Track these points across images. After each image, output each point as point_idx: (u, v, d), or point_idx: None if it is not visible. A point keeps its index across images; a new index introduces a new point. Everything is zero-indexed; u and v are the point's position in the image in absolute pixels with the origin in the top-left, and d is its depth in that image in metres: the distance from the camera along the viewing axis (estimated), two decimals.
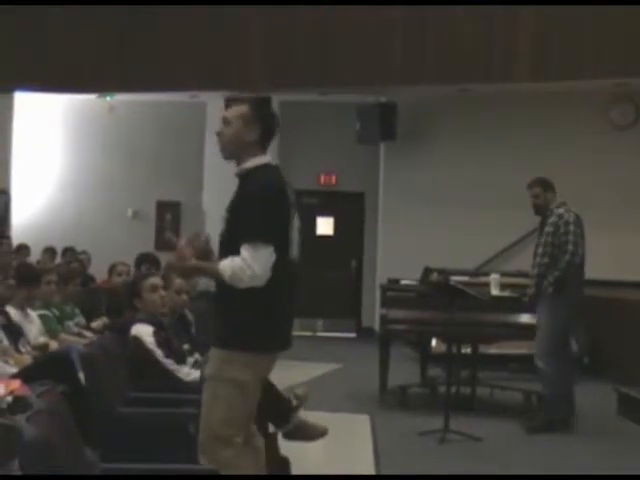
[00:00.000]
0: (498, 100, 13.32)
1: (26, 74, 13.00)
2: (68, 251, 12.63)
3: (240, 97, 4.53)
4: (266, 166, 4.31)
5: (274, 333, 4.22)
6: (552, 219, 8.00)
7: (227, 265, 4.09)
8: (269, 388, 5.19)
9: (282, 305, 4.20)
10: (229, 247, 4.18)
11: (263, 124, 4.31)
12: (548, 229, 7.99)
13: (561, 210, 8.03)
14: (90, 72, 13.97)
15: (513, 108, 13.40)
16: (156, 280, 6.07)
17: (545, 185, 8.15)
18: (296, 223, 4.31)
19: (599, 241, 13.02)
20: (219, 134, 4.39)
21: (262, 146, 4.35)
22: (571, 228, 7.92)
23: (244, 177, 4.37)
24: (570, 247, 7.88)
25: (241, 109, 4.30)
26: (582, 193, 13.09)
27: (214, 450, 4.15)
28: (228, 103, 4.50)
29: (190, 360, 5.90)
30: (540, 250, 8.00)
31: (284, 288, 4.20)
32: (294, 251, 4.28)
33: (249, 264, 4.02)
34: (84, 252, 12.69)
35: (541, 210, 8.15)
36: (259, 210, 4.09)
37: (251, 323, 4.12)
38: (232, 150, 4.38)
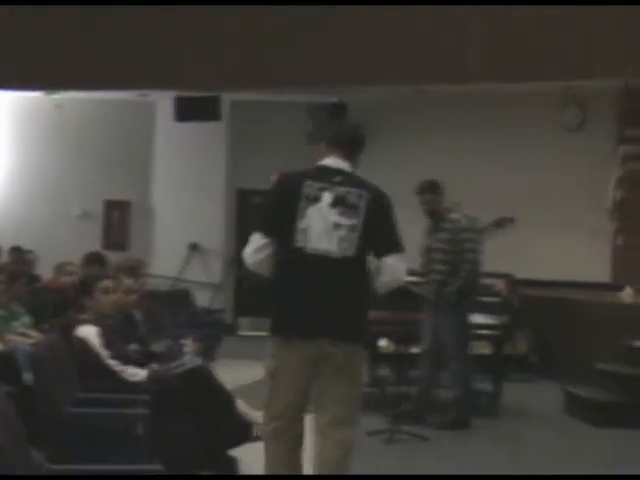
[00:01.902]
0: (449, 101, 13.37)
1: None
2: (15, 250, 12.47)
3: None
4: (310, 168, 4.73)
5: (288, 319, 4.51)
6: (446, 224, 7.94)
7: None
8: (230, 404, 5.20)
9: (293, 292, 4.47)
10: None
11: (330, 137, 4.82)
12: (444, 235, 7.92)
13: (455, 215, 7.99)
14: (37, 70, 13.85)
15: (465, 109, 13.46)
16: (110, 283, 6.03)
17: (434, 189, 8.05)
18: (317, 216, 4.48)
19: (548, 242, 13.22)
20: None
21: (330, 152, 4.72)
22: (469, 235, 7.93)
23: None
24: (470, 255, 7.90)
25: None
26: (532, 194, 13.25)
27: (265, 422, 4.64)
28: None
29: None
30: (438, 256, 7.93)
31: (292, 277, 4.48)
32: (308, 242, 4.45)
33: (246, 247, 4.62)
34: (30, 252, 12.53)
35: (433, 214, 8.04)
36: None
37: (275, 309, 4.57)
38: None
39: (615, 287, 11.62)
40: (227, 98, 14.15)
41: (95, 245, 13.72)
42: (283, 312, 4.55)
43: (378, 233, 4.53)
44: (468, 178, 13.27)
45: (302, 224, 4.46)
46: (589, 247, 12.98)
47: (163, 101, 14.58)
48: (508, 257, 12.58)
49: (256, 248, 4.55)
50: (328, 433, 4.53)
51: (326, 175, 4.59)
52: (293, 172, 4.74)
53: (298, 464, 4.65)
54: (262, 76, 13.24)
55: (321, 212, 4.47)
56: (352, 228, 4.48)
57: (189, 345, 6.97)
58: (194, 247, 15.10)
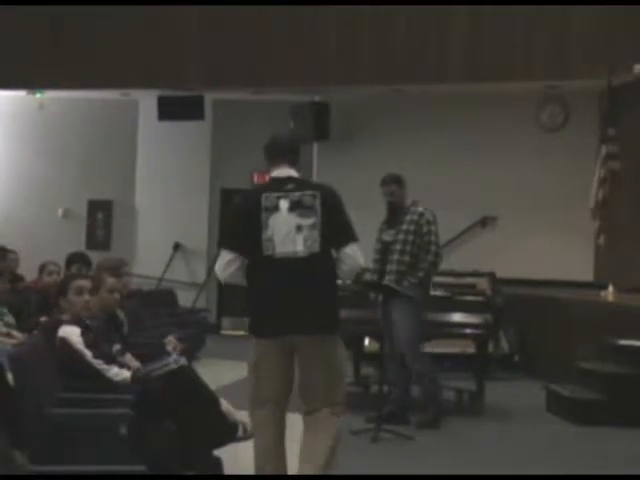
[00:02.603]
0: (432, 100, 13.40)
1: None
2: None
3: None
4: (263, 183, 5.44)
5: (262, 320, 4.93)
6: (410, 217, 7.88)
7: None
8: (214, 404, 5.20)
9: (264, 296, 4.89)
10: None
11: (267, 151, 5.21)
12: (407, 227, 7.86)
13: (420, 209, 7.94)
14: (21, 69, 13.82)
15: (446, 108, 13.49)
16: (83, 283, 5.97)
17: (400, 182, 8.01)
18: (279, 223, 4.86)
19: (530, 241, 13.27)
20: None
21: (274, 165, 5.12)
22: (433, 228, 7.88)
23: None
24: (433, 248, 7.86)
25: None
26: (515, 193, 13.29)
27: (251, 410, 5.07)
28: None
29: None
30: (399, 247, 7.84)
31: (264, 281, 4.89)
32: (275, 249, 4.84)
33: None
34: (13, 251, 12.46)
35: (396, 207, 7.97)
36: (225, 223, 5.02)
37: (251, 313, 4.99)
38: None
39: (597, 286, 11.67)
40: (209, 97, 14.14)
41: (79, 245, 13.70)
42: (258, 314, 4.97)
43: (334, 227, 4.94)
44: (450, 177, 13.32)
45: (266, 233, 4.86)
46: (571, 246, 13.03)
47: (146, 100, 14.56)
48: (491, 256, 12.64)
49: (225, 263, 4.93)
50: (309, 421, 5.00)
51: (279, 185, 5.00)
52: (250, 190, 5.52)
53: (283, 448, 5.05)
54: (244, 76, 13.28)
55: (282, 218, 4.88)
56: (312, 226, 4.89)
57: (172, 342, 6.96)
58: (177, 247, 15.08)
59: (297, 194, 4.92)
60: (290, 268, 4.83)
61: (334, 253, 4.97)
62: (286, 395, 5.05)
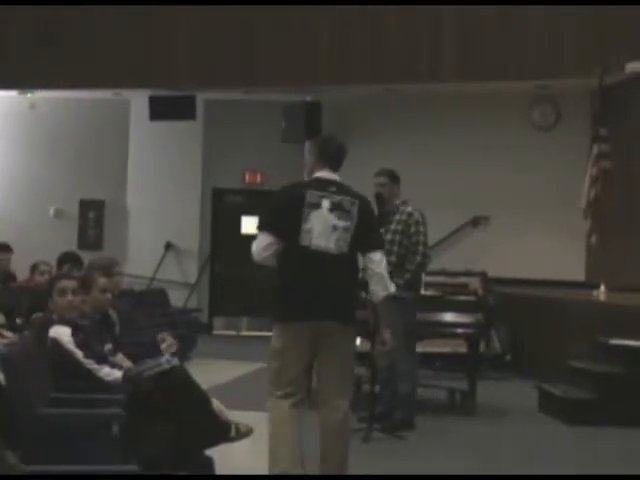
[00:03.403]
0: (423, 99, 13.41)
1: None
2: None
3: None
4: (308, 180, 5.54)
5: (290, 306, 5.32)
6: (399, 216, 7.84)
7: None
8: (206, 404, 5.21)
9: (294, 283, 5.31)
10: None
11: (318, 152, 5.61)
12: (395, 227, 7.81)
13: (409, 208, 7.89)
14: (12, 69, 13.79)
15: (438, 108, 13.50)
16: (66, 283, 5.91)
17: (392, 177, 7.99)
18: (318, 219, 5.30)
19: (522, 240, 13.28)
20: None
21: (321, 166, 5.54)
22: (421, 229, 7.82)
23: None
24: (420, 248, 7.79)
25: (307, 144, 5.69)
26: (507, 193, 13.30)
27: (269, 398, 5.39)
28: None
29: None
30: (386, 247, 7.73)
31: (297, 269, 5.31)
32: (312, 241, 5.29)
33: (253, 244, 5.40)
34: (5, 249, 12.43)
35: (382, 201, 7.90)
36: (266, 209, 5.51)
37: (280, 298, 5.39)
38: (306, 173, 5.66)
39: (589, 285, 11.69)
40: (201, 97, 14.13)
41: (71, 244, 13.67)
42: (289, 299, 5.36)
43: (365, 233, 5.43)
44: (443, 177, 13.32)
45: (306, 226, 5.31)
46: (563, 246, 13.05)
47: (138, 100, 14.55)
48: (482, 255, 12.66)
49: (264, 246, 5.35)
50: (328, 401, 5.40)
51: (323, 185, 5.43)
52: (295, 184, 5.65)
53: (298, 421, 5.39)
54: (236, 75, 13.27)
55: (322, 216, 5.33)
56: (346, 229, 5.35)
57: (166, 339, 6.92)
58: (169, 246, 15.07)
59: (338, 197, 5.38)
60: (322, 261, 5.29)
61: (360, 257, 5.50)
62: (306, 378, 5.53)
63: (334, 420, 5.40)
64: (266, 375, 5.52)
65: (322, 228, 5.31)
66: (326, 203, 5.36)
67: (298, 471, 5.28)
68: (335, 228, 5.34)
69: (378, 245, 5.56)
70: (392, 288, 5.61)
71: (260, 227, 5.43)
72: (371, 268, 5.46)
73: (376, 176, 8.04)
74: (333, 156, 5.61)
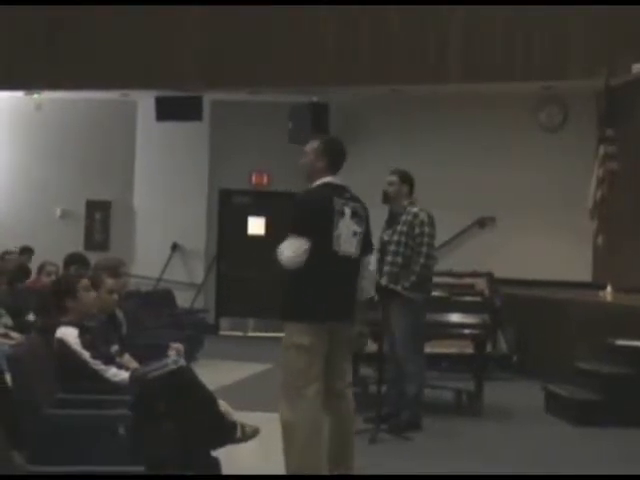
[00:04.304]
0: (429, 100, 13.41)
1: None
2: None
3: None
4: (323, 185, 5.60)
5: (321, 306, 5.43)
6: (406, 217, 7.82)
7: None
8: (212, 404, 5.21)
9: (324, 285, 5.43)
10: None
11: (330, 156, 5.66)
12: (402, 228, 7.80)
13: (415, 209, 7.85)
14: (18, 70, 13.82)
15: (445, 109, 13.50)
16: (87, 281, 6.00)
17: (403, 177, 7.95)
18: (344, 226, 5.51)
19: (529, 241, 13.28)
20: (301, 163, 5.74)
21: (331, 171, 5.63)
22: (426, 229, 7.78)
23: None
24: (424, 249, 7.75)
25: (313, 144, 5.68)
26: (513, 194, 13.30)
27: (287, 395, 5.43)
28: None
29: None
30: (393, 248, 7.81)
31: (326, 272, 5.43)
32: (340, 246, 5.49)
33: (281, 250, 5.42)
34: (11, 252, 12.45)
35: (390, 200, 7.92)
36: (294, 213, 5.62)
37: (306, 299, 5.46)
38: (307, 174, 5.71)
39: (596, 286, 11.67)
40: (208, 98, 14.14)
41: (77, 245, 13.69)
42: (320, 300, 5.45)
43: (368, 238, 5.74)
44: (449, 178, 13.31)
45: (337, 232, 5.50)
46: (570, 247, 13.04)
47: (144, 101, 14.57)
48: (489, 256, 12.65)
49: (302, 252, 5.41)
50: (344, 393, 5.65)
51: (340, 192, 5.61)
52: (318, 189, 5.62)
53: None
54: (243, 76, 13.28)
55: (346, 223, 5.55)
56: (360, 234, 5.63)
57: (177, 349, 6.92)
58: (176, 247, 15.08)
59: (352, 204, 5.61)
60: (347, 265, 5.55)
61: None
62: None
63: (350, 410, 5.70)
64: (284, 376, 5.47)
65: (346, 234, 5.54)
66: (348, 210, 5.58)
67: (324, 471, 5.41)
68: (355, 234, 5.60)
69: (372, 247, 5.94)
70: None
71: (296, 232, 5.47)
72: (368, 269, 5.80)
73: (389, 175, 8.03)
74: (342, 162, 5.75)
